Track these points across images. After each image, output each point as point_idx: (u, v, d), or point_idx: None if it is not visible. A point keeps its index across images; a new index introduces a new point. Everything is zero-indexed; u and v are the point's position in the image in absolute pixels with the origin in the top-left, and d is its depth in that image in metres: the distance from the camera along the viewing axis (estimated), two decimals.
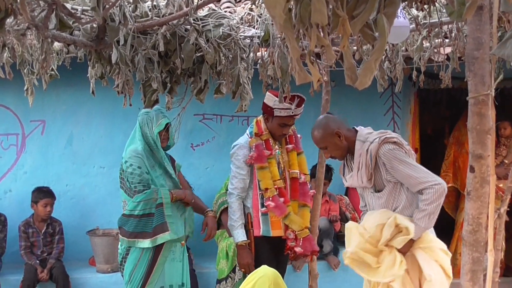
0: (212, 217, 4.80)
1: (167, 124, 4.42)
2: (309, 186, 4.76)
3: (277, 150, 4.62)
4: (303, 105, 4.49)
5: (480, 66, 2.14)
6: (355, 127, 3.91)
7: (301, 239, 4.50)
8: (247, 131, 4.66)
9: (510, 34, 1.81)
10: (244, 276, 5.60)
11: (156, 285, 4.47)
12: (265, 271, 3.64)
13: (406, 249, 3.54)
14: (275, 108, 4.43)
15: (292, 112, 4.45)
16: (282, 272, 4.79)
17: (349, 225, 3.77)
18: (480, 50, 2.13)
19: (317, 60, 3.79)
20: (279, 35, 3.10)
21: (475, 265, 2.24)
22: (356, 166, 3.76)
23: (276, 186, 4.50)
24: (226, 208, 5.94)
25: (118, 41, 2.88)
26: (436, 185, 3.52)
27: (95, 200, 6.46)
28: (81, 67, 3.92)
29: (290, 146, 4.68)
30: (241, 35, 3.27)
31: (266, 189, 4.49)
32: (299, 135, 4.78)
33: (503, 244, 2.47)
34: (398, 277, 3.48)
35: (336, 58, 1.26)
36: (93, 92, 3.56)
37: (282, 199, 4.49)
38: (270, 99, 4.41)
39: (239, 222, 4.57)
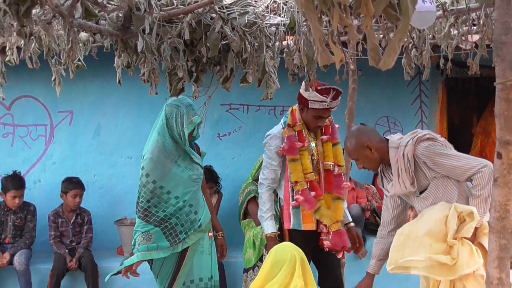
0: (223, 239, 4.80)
1: (199, 123, 4.32)
2: (343, 179, 4.63)
3: (311, 142, 4.53)
4: (339, 97, 4.39)
5: (508, 51, 2.11)
6: (386, 137, 3.91)
7: (332, 233, 4.42)
8: (282, 121, 4.56)
9: None
10: None
11: (186, 280, 4.45)
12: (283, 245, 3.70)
13: (473, 238, 3.44)
14: (310, 100, 4.31)
15: (328, 105, 4.35)
16: (329, 266, 4.75)
17: (405, 231, 3.61)
18: (508, 34, 2.10)
19: (344, 49, 3.77)
20: (304, 23, 3.09)
21: (502, 252, 2.22)
22: (396, 173, 3.72)
23: (306, 179, 4.42)
24: (253, 198, 5.98)
25: (143, 30, 2.89)
26: (483, 168, 3.48)
27: (122, 190, 6.52)
28: (108, 58, 3.94)
29: (324, 137, 4.54)
30: (266, 23, 3.26)
31: (296, 182, 4.40)
32: (336, 125, 4.69)
33: None
34: (481, 264, 3.36)
35: (360, 39, 1.25)
36: (119, 82, 3.57)
37: (313, 193, 4.41)
38: (311, 90, 4.26)
39: (268, 214, 4.50)
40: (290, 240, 4.46)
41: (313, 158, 4.49)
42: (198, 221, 4.44)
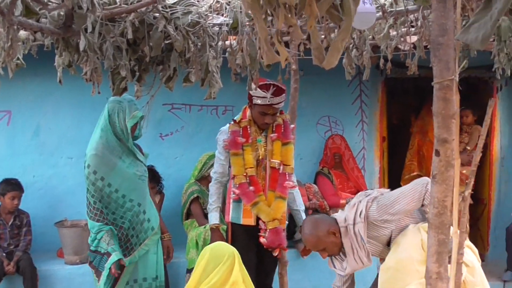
0: (169, 240, 4.93)
1: (141, 117, 4.35)
2: (288, 177, 4.65)
3: (259, 138, 4.60)
4: (282, 94, 4.46)
5: (445, 52, 2.18)
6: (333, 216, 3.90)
7: (269, 230, 4.49)
8: (234, 118, 4.70)
9: (473, 20, 1.85)
10: None
11: (130, 279, 4.42)
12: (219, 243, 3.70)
13: None
14: (253, 96, 4.45)
15: (269, 101, 4.43)
16: (269, 264, 4.79)
17: (391, 264, 3.62)
18: (445, 36, 2.17)
19: (286, 49, 3.81)
20: (247, 23, 3.11)
21: (440, 247, 2.28)
22: (350, 251, 3.72)
23: (245, 174, 4.51)
24: (196, 198, 6.00)
25: (86, 29, 2.85)
26: (427, 186, 3.55)
27: (63, 191, 6.39)
28: (48, 56, 3.87)
29: (273, 135, 4.63)
30: (209, 23, 3.27)
31: (234, 176, 4.53)
32: (292, 125, 4.76)
33: (468, 227, 2.55)
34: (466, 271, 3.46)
35: (303, 39, 1.27)
36: (60, 81, 3.51)
37: (252, 188, 4.50)
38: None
39: (214, 206, 4.65)
40: (232, 233, 4.58)
41: (258, 154, 4.56)
42: (148, 222, 4.43)
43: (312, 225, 3.82)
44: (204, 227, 5.67)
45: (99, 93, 3.16)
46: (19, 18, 2.53)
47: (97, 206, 4.26)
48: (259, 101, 4.44)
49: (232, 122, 4.63)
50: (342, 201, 6.50)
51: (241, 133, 4.57)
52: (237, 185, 4.52)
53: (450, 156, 2.22)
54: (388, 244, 3.77)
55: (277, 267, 4.97)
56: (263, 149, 4.60)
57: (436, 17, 2.17)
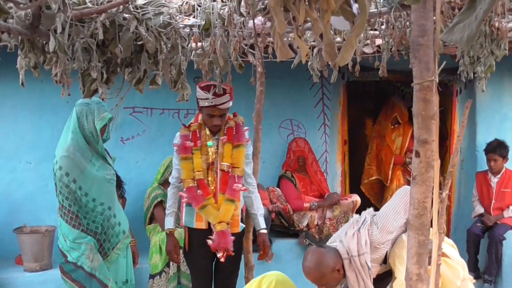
0: (135, 246, 5.07)
1: (110, 119, 4.32)
2: (237, 180, 4.57)
3: (209, 142, 4.58)
4: (225, 95, 4.41)
5: (425, 53, 2.19)
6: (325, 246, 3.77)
7: (215, 232, 4.46)
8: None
9: (457, 20, 1.86)
10: (179, 271, 5.58)
11: None
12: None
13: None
14: (198, 98, 4.46)
15: (212, 102, 4.40)
16: (226, 268, 4.73)
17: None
18: (425, 37, 2.18)
19: (252, 51, 3.79)
20: (219, 25, 3.08)
21: (420, 248, 2.30)
22: (355, 284, 3.58)
23: (193, 177, 4.49)
24: (159, 202, 5.93)
25: (55, 30, 2.78)
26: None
27: (22, 197, 6.22)
28: (7, 58, 3.76)
29: (223, 138, 4.59)
30: (181, 24, 3.23)
31: (183, 180, 4.52)
32: (245, 128, 4.72)
33: (445, 228, 2.57)
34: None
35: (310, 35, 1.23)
36: (22, 83, 3.42)
37: (200, 191, 4.48)
38: (198, 89, 4.44)
39: (169, 210, 4.66)
40: (190, 237, 4.55)
41: (208, 158, 4.54)
42: (119, 226, 4.39)
43: (317, 260, 3.62)
44: None
45: (69, 95, 3.08)
46: None
47: (72, 209, 4.19)
48: (202, 103, 4.44)
49: (182, 127, 4.61)
50: (306, 205, 6.52)
51: (190, 137, 4.54)
52: (185, 189, 4.51)
53: (430, 157, 2.24)
54: (384, 261, 3.71)
55: (243, 271, 4.95)
56: (213, 152, 4.58)
57: (415, 18, 2.18)
